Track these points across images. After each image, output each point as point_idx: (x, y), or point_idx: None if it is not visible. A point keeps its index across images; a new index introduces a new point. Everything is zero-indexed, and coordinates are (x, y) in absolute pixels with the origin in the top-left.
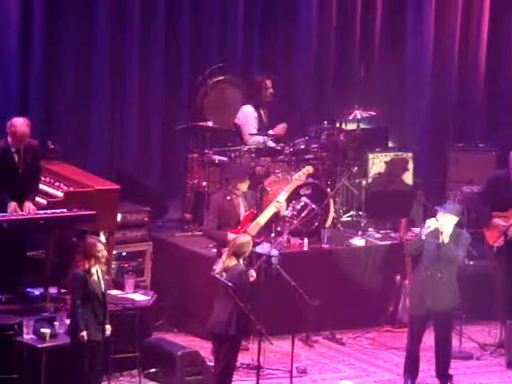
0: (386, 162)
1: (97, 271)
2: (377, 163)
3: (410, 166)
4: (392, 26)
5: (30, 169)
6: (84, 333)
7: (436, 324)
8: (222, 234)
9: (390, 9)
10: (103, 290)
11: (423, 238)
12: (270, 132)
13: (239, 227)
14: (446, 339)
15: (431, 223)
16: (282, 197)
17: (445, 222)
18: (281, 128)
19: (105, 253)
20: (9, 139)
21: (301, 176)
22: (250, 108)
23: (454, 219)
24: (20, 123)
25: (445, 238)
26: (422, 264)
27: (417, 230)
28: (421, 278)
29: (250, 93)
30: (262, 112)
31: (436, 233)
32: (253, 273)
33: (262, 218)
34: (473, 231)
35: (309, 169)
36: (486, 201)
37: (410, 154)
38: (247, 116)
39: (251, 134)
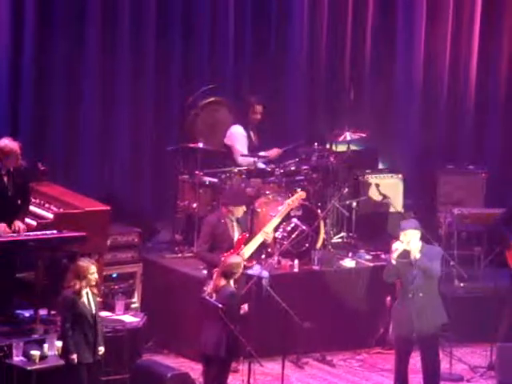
0: (376, 184)
1: (87, 293)
2: (367, 185)
3: (400, 187)
4: (382, 49)
5: (20, 191)
6: (74, 355)
7: (422, 345)
8: (214, 258)
9: (380, 31)
10: (94, 312)
11: (393, 262)
12: (263, 153)
13: (232, 251)
14: (434, 359)
15: (397, 245)
16: (270, 226)
17: (409, 240)
18: (275, 152)
19: (96, 276)
20: None
21: (294, 201)
22: (239, 128)
23: (417, 234)
24: (8, 141)
25: (415, 253)
26: (403, 287)
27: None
28: (404, 301)
29: (239, 112)
30: (251, 133)
31: (405, 254)
32: (245, 306)
33: (250, 248)
34: (463, 253)
35: (302, 194)
36: (508, 223)
37: (399, 176)
38: (236, 136)
39: (243, 156)
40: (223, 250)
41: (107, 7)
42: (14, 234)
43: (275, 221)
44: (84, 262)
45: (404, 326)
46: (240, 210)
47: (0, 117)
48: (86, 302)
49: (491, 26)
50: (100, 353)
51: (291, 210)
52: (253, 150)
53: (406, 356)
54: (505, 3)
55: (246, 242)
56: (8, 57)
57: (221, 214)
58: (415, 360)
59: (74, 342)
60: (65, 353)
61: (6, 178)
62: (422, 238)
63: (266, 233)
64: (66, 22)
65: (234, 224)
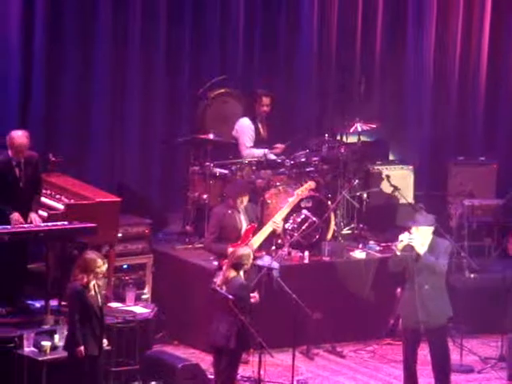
0: (386, 175)
1: (94, 286)
2: (377, 176)
3: (411, 178)
4: (392, 40)
5: (31, 182)
6: (82, 347)
7: (429, 336)
8: (222, 248)
9: (391, 23)
10: (100, 304)
11: (398, 253)
12: (266, 151)
13: (240, 241)
14: (442, 350)
15: (403, 237)
16: (280, 216)
17: (419, 235)
18: (279, 149)
19: (103, 268)
20: (9, 153)
21: (303, 191)
22: (246, 120)
23: (429, 230)
24: (18, 135)
25: (418, 249)
26: (409, 279)
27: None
28: (410, 293)
29: (247, 105)
30: (259, 125)
31: (410, 247)
32: (256, 295)
33: (259, 238)
34: (473, 244)
35: (311, 184)
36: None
37: (410, 167)
38: (243, 128)
39: (247, 147)
40: (231, 241)
41: (118, 1)
42: (26, 225)
43: (284, 210)
44: (91, 255)
45: (410, 317)
46: (244, 200)
47: (11, 109)
48: (94, 295)
49: (502, 17)
50: (104, 345)
51: (301, 200)
52: (261, 143)
53: (414, 347)
54: None
55: (255, 232)
56: (19, 49)
57: (228, 205)
58: (426, 352)
59: (82, 335)
60: (71, 345)
61: (17, 170)
62: (435, 231)
63: (275, 222)
64: (76, 17)
65: (242, 215)
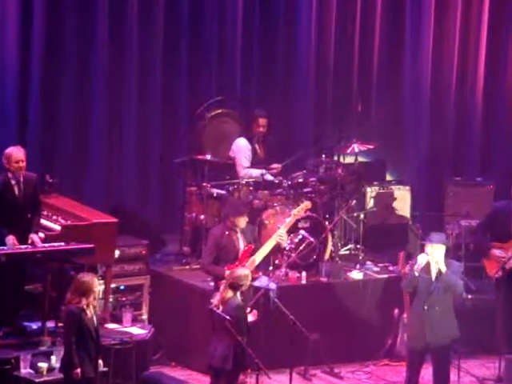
0: (383, 196)
1: (89, 307)
2: (375, 197)
3: (408, 199)
4: (390, 61)
5: (30, 202)
6: (78, 370)
7: (434, 357)
8: (219, 270)
9: (388, 42)
10: (95, 325)
11: (416, 274)
12: (264, 171)
13: (237, 262)
14: (445, 372)
15: (422, 259)
16: (284, 229)
17: (435, 253)
18: (275, 169)
19: (99, 288)
20: (8, 174)
21: (299, 211)
22: (243, 141)
23: (443, 248)
24: (14, 150)
25: (441, 267)
26: (418, 299)
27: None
28: (419, 313)
29: (244, 125)
30: (256, 146)
31: (427, 267)
32: (255, 313)
33: (262, 252)
34: (470, 265)
35: (307, 204)
36: (486, 232)
37: (407, 188)
38: (240, 148)
39: (244, 168)
40: (229, 262)
41: (114, 20)
42: (23, 246)
43: (288, 224)
44: (88, 278)
45: (417, 338)
46: (242, 221)
47: (8, 128)
48: (90, 316)
49: (499, 34)
50: (100, 367)
51: (298, 220)
52: (258, 163)
53: (418, 368)
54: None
55: (252, 253)
56: (16, 71)
57: (225, 226)
58: (423, 372)
59: (79, 357)
60: (68, 367)
61: (16, 188)
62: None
63: (280, 236)
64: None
65: (239, 235)
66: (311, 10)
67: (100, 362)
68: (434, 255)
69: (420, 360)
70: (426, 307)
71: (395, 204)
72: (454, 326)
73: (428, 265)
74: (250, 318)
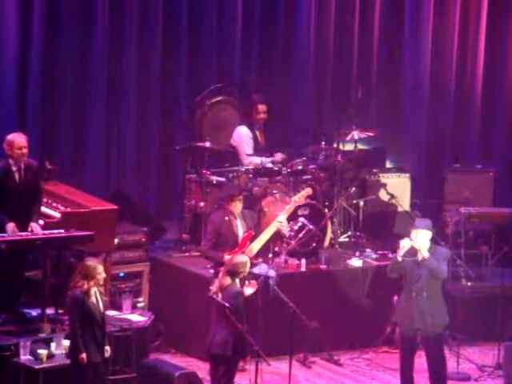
0: (383, 183)
1: (95, 293)
2: (374, 184)
3: (408, 186)
4: (389, 47)
5: (31, 189)
6: (84, 355)
7: (425, 343)
8: (218, 255)
9: (388, 30)
10: (102, 311)
11: (399, 259)
12: (268, 159)
13: (237, 248)
14: (439, 359)
15: (405, 243)
16: (284, 215)
17: (419, 239)
18: (279, 157)
19: (104, 275)
20: (10, 160)
21: (300, 198)
22: (244, 128)
23: (428, 234)
24: (16, 136)
25: (423, 252)
26: (406, 285)
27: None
28: (407, 299)
29: (244, 113)
30: (257, 133)
31: (413, 252)
32: (254, 282)
33: (262, 239)
34: (470, 252)
35: (308, 191)
36: None
37: (407, 175)
38: (242, 136)
39: (248, 155)
40: (228, 248)
41: (114, 7)
42: (23, 233)
43: (288, 210)
44: (92, 262)
45: (407, 324)
46: (237, 203)
47: (8, 116)
48: (95, 302)
49: (498, 26)
50: (107, 353)
51: (298, 208)
52: (259, 150)
53: (410, 354)
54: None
55: (252, 239)
56: (15, 58)
57: (224, 212)
58: (423, 360)
59: (84, 342)
60: (73, 352)
61: (17, 175)
62: (431, 239)
63: (280, 221)
64: (73, 24)
65: (239, 222)
66: None
67: (107, 348)
68: (417, 240)
69: (412, 347)
70: (413, 293)
71: (395, 191)
72: (444, 313)
73: (413, 250)
74: (250, 290)
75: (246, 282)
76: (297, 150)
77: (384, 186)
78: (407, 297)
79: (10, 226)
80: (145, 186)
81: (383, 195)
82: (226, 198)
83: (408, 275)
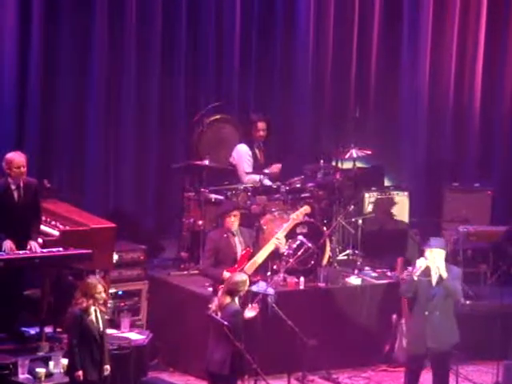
0: (381, 201)
1: (95, 311)
2: (373, 202)
3: (406, 205)
4: (387, 66)
5: (30, 207)
6: (80, 372)
7: (434, 363)
8: (217, 273)
9: (386, 48)
10: (101, 330)
11: (415, 278)
12: (266, 171)
13: (236, 266)
14: (445, 378)
15: (421, 263)
16: (282, 233)
17: (435, 258)
18: (275, 167)
19: (104, 295)
20: (9, 179)
21: (298, 215)
22: (244, 147)
23: (442, 253)
24: (15, 155)
25: (442, 272)
26: (418, 304)
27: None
28: (419, 319)
29: (243, 131)
30: (256, 151)
31: (427, 271)
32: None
33: (261, 256)
34: (468, 271)
35: (306, 208)
36: None
37: (405, 193)
38: (241, 155)
39: (247, 173)
40: (227, 265)
41: (113, 25)
42: (21, 252)
43: (286, 228)
44: (92, 280)
45: (417, 343)
46: (233, 220)
47: (6, 135)
48: (94, 320)
49: (496, 41)
50: (106, 372)
51: (296, 225)
52: (259, 168)
53: (418, 374)
54: (510, 19)
55: (250, 257)
56: (15, 77)
57: (222, 229)
58: (423, 378)
59: (81, 359)
60: (70, 370)
61: (16, 194)
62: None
63: (278, 239)
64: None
65: (237, 239)
66: (309, 15)
67: (107, 366)
68: (434, 260)
69: (420, 365)
70: (426, 312)
71: (393, 209)
72: (455, 332)
73: (427, 269)
74: (252, 313)
75: (249, 305)
76: (297, 159)
77: (382, 204)
78: (419, 315)
79: (7, 243)
80: (143, 204)
81: (382, 213)
82: (221, 214)
83: (421, 295)
